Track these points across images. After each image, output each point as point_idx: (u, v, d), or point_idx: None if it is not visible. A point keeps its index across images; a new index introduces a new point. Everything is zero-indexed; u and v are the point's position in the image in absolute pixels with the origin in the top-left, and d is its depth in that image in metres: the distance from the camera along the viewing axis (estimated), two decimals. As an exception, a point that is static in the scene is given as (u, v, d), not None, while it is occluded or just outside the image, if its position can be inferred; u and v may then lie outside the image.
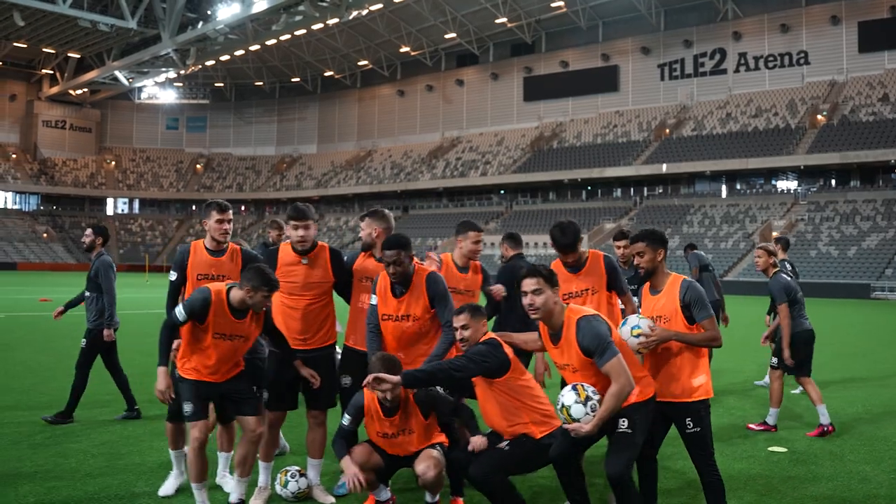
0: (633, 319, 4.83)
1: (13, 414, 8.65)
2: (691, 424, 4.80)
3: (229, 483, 5.71)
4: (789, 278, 8.53)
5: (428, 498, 5.31)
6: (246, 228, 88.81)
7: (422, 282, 5.53)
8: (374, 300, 5.62)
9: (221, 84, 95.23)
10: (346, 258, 6.02)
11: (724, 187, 61.28)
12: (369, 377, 4.83)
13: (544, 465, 5.02)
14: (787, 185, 58.74)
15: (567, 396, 4.54)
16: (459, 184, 74.56)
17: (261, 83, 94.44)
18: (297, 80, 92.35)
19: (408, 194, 78.74)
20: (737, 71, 65.66)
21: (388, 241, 5.48)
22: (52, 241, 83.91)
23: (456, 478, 5.32)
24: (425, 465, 5.08)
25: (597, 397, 4.53)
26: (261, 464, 5.65)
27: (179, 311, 5.13)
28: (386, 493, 5.42)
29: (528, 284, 4.70)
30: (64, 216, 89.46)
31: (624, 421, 4.62)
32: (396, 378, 4.78)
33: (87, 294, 8.54)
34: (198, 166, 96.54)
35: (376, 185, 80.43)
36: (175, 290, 5.88)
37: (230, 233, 5.91)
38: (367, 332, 5.64)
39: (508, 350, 5.03)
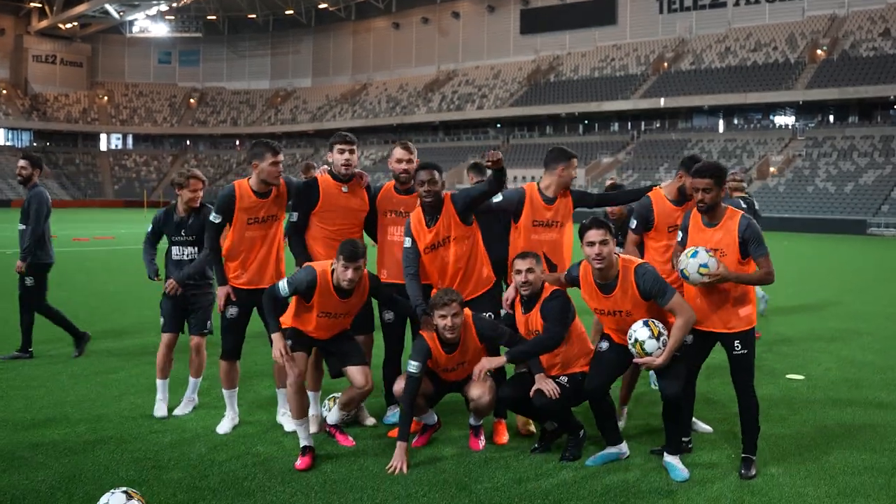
0: (703, 255, 4.96)
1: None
2: (739, 346, 5.10)
3: (287, 422, 5.90)
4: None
5: (472, 420, 5.59)
6: (241, 163, 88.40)
7: (448, 203, 5.74)
8: (407, 242, 5.77)
9: (214, 17, 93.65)
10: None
11: (721, 122, 61.08)
12: (427, 319, 5.36)
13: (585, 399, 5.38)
14: (784, 120, 58.56)
15: (640, 332, 4.89)
16: (456, 117, 74.07)
17: (254, 16, 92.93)
18: (291, 12, 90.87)
19: (404, 128, 78.21)
20: (736, 4, 64.84)
21: (422, 163, 5.75)
22: (47, 177, 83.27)
23: (499, 402, 5.60)
24: (481, 391, 5.37)
25: (666, 333, 4.86)
26: (310, 394, 5.90)
27: (283, 286, 5.37)
28: (433, 417, 5.71)
29: (596, 235, 4.96)
30: (57, 152, 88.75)
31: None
32: (501, 359, 5.28)
33: (22, 227, 8.23)
34: (191, 101, 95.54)
35: (372, 119, 79.88)
36: (217, 233, 5.95)
37: (277, 176, 5.84)
38: (406, 278, 5.76)
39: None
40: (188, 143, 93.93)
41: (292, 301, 5.55)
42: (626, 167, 57.58)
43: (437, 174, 5.64)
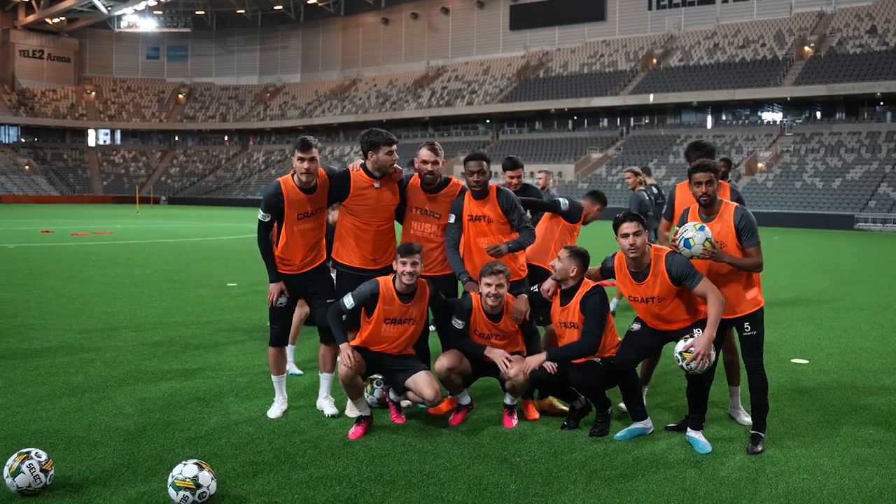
0: (709, 231, 5.32)
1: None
2: (749, 328, 5.48)
3: (328, 406, 6.19)
4: (647, 197, 11.27)
5: (507, 400, 5.97)
6: (230, 159, 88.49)
7: (493, 195, 6.18)
8: (451, 218, 6.18)
9: (202, 12, 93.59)
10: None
11: (710, 118, 61.74)
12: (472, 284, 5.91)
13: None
14: (772, 116, 59.21)
15: (679, 345, 5.36)
16: (445, 113, 74.45)
17: (243, 11, 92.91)
18: (280, 7, 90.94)
19: (393, 124, 78.33)
20: (725, 1, 65.46)
21: (472, 154, 6.17)
22: (35, 173, 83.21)
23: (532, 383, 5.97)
24: (518, 369, 5.72)
25: (694, 335, 5.35)
26: (325, 375, 6.28)
27: (348, 300, 5.73)
28: (467, 398, 6.07)
29: (630, 227, 5.38)
30: (45, 148, 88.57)
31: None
32: (541, 357, 5.73)
33: None
34: (180, 96, 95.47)
35: (361, 115, 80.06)
36: (267, 231, 6.07)
37: (313, 172, 5.88)
38: (448, 250, 6.18)
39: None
40: (177, 138, 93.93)
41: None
42: (616, 163, 58.07)
43: (485, 164, 6.11)
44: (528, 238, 6.16)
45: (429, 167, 6.18)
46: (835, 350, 8.83)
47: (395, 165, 6.19)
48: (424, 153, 6.22)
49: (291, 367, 7.43)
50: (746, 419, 5.98)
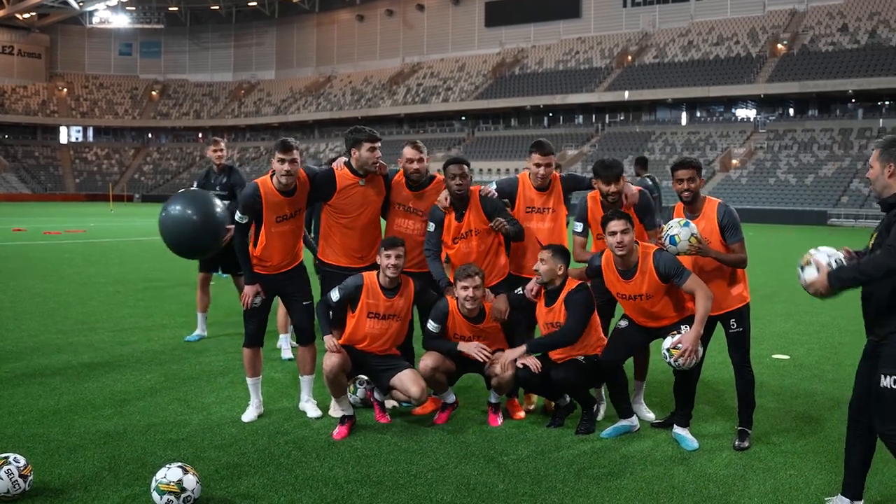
0: (694, 227, 5.30)
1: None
2: (735, 325, 5.47)
3: (312, 409, 6.11)
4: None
5: (492, 398, 5.95)
6: (204, 156, 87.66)
7: (475, 199, 6.07)
8: (431, 227, 6.09)
9: (176, 8, 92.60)
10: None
11: (684, 115, 62.01)
12: (450, 289, 5.86)
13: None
14: (746, 113, 59.57)
15: (666, 341, 5.32)
16: (420, 110, 74.24)
17: (216, 7, 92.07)
18: (254, 4, 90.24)
19: (368, 121, 77.80)
20: (699, -2, 65.88)
21: (453, 158, 6.02)
22: (5, 171, 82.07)
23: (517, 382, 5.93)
24: (504, 365, 5.69)
25: (681, 332, 5.29)
26: (306, 377, 6.23)
27: (334, 293, 5.76)
28: (452, 397, 6.03)
29: (617, 225, 5.32)
30: (16, 145, 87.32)
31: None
32: (521, 349, 5.69)
33: None
34: (153, 93, 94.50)
35: (336, 112, 79.70)
36: (244, 232, 5.97)
37: (293, 173, 5.80)
38: (428, 256, 6.12)
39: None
40: (150, 135, 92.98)
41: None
42: (591, 159, 58.16)
43: (466, 168, 6.00)
44: (521, 230, 6.06)
45: (414, 165, 6.14)
46: (815, 345, 8.90)
47: (380, 161, 6.14)
48: (409, 152, 6.17)
49: (286, 354, 8.04)
50: (649, 415, 6.04)
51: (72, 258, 18.23)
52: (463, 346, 5.82)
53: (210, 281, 9.19)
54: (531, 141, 6.26)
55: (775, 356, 8.25)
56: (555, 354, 5.79)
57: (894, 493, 4.60)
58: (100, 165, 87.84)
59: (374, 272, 5.81)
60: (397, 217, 6.31)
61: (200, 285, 9.12)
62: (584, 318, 5.62)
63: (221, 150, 9.02)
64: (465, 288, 5.67)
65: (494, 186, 6.22)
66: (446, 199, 6.05)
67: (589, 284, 5.75)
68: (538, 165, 6.04)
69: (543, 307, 5.81)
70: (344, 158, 6.25)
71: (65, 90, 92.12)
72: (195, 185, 8.72)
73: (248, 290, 5.95)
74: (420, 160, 6.14)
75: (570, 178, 6.31)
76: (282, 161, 5.73)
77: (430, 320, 5.92)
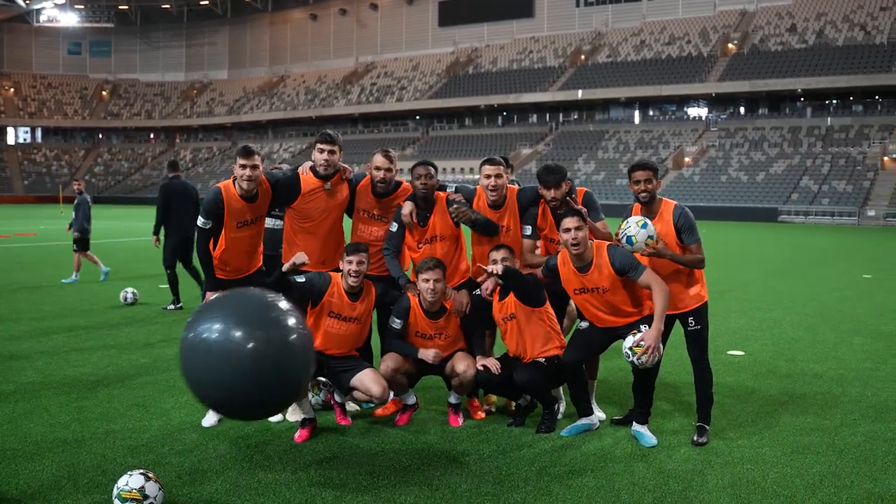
0: (651, 229, 5.38)
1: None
2: (693, 322, 5.56)
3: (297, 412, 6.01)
4: None
5: (452, 399, 5.97)
6: (156, 157, 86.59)
7: (441, 202, 6.10)
8: (393, 227, 6.10)
9: (126, 7, 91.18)
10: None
11: (637, 114, 62.73)
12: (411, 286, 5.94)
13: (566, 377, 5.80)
14: (698, 112, 60.43)
15: (627, 340, 5.35)
16: (375, 109, 74.08)
17: (168, 6, 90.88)
18: (206, 2, 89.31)
19: (322, 120, 77.63)
20: (650, -2, 66.65)
21: (421, 161, 6.08)
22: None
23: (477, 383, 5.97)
24: (466, 364, 5.78)
25: (642, 331, 5.34)
26: None
27: (301, 277, 5.75)
28: (412, 398, 6.05)
29: (571, 222, 5.39)
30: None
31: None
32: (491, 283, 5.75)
33: None
34: (103, 93, 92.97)
35: (290, 112, 79.21)
36: (207, 238, 5.92)
37: (256, 179, 5.80)
38: (386, 256, 6.14)
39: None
40: (101, 136, 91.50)
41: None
42: (545, 158, 58.56)
43: (432, 170, 6.07)
44: (492, 224, 6.05)
45: (382, 174, 6.13)
46: (768, 341, 9.08)
47: (344, 165, 6.16)
48: (378, 159, 6.17)
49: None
50: (600, 414, 6.05)
51: (23, 262, 17.91)
52: (423, 354, 5.85)
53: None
54: (485, 140, 6.43)
55: (730, 352, 8.41)
56: (512, 345, 5.89)
57: (894, 493, 4.69)
58: (49, 167, 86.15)
59: (339, 275, 5.86)
60: (361, 223, 6.33)
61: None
62: (538, 283, 5.73)
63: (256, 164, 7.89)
64: (427, 280, 5.74)
65: (454, 189, 6.26)
66: (411, 213, 6.05)
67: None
68: (487, 176, 5.98)
69: (497, 303, 5.89)
70: (309, 163, 6.26)
71: (11, 90, 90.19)
72: None
73: (210, 296, 5.90)
74: (388, 169, 6.14)
75: (528, 191, 6.12)
76: (243, 167, 5.74)
77: (392, 317, 5.96)
